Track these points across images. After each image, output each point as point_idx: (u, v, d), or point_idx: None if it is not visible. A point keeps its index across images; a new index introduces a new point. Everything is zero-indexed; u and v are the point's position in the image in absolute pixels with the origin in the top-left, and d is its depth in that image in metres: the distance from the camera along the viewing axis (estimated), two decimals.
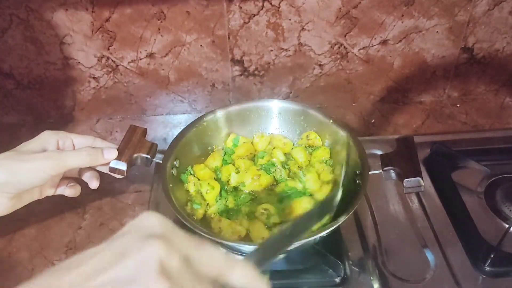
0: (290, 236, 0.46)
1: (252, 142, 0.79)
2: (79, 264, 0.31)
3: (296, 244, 0.59)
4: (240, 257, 0.38)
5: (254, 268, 0.36)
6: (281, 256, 0.66)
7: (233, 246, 0.61)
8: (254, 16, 0.86)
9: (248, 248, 0.60)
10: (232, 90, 0.96)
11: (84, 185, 0.69)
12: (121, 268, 0.30)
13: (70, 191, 0.67)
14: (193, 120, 0.77)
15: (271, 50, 0.91)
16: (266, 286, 0.36)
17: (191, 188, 0.71)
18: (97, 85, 0.94)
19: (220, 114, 0.78)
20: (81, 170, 0.69)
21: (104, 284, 0.29)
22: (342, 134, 0.73)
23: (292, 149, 0.78)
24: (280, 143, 0.78)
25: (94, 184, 0.68)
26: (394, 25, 0.89)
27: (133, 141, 0.69)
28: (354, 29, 0.89)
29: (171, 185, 0.67)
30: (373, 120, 0.96)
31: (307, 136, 0.78)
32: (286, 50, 0.91)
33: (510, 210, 0.73)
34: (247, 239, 0.65)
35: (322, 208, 0.57)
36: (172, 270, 0.30)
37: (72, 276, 0.30)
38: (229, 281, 0.34)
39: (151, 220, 0.33)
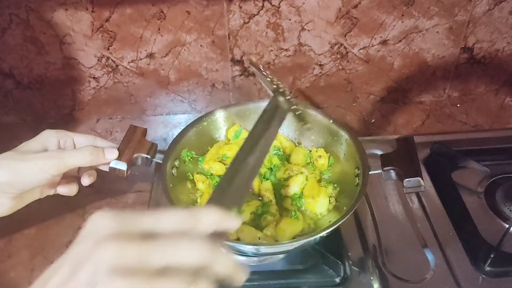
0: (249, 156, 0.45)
1: None
2: (45, 283, 0.33)
3: (298, 243, 0.60)
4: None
5: (219, 208, 0.36)
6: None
7: (233, 246, 0.61)
8: (254, 16, 0.86)
9: (249, 248, 0.60)
10: (232, 90, 0.96)
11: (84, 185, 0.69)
12: (77, 281, 0.31)
13: (64, 189, 0.66)
14: (193, 120, 0.76)
15: (271, 50, 0.91)
16: (236, 220, 0.36)
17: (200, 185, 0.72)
18: (97, 85, 0.94)
19: (220, 114, 0.78)
20: (81, 169, 0.69)
21: None
22: (342, 134, 0.73)
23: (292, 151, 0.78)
24: (281, 143, 0.78)
25: (85, 181, 0.67)
26: (394, 25, 0.89)
27: (133, 141, 0.69)
28: (354, 29, 0.89)
29: (171, 185, 0.67)
30: (373, 120, 0.96)
31: (319, 155, 0.75)
32: (286, 50, 0.91)
33: (510, 210, 0.73)
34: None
35: (268, 116, 0.55)
36: (129, 262, 0.31)
37: None
38: (200, 231, 0.34)
39: (98, 222, 0.34)
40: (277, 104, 0.58)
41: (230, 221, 0.36)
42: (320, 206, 0.68)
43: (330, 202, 0.69)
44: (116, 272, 0.30)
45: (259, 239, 0.63)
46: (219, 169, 0.73)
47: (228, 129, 0.79)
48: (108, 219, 0.33)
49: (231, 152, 0.75)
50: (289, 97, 0.60)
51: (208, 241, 0.33)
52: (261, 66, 0.69)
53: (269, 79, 0.65)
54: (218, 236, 0.35)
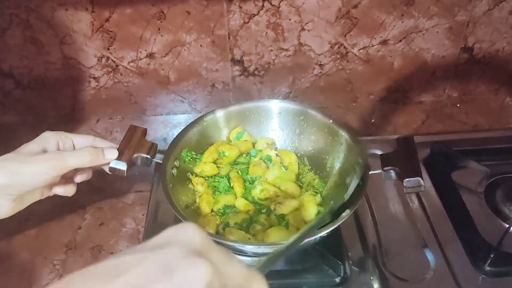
0: (296, 243, 0.47)
1: (253, 144, 0.79)
2: (120, 273, 0.29)
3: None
4: (254, 269, 0.39)
5: (265, 282, 0.37)
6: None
7: (234, 247, 0.61)
8: (254, 16, 0.86)
9: (250, 248, 0.60)
10: (232, 90, 0.96)
11: (85, 185, 0.69)
12: (168, 285, 0.29)
13: (61, 190, 0.66)
14: (193, 120, 0.76)
15: (271, 50, 0.91)
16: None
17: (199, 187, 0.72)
18: (97, 85, 0.94)
19: (220, 114, 0.78)
20: (79, 170, 0.69)
21: None
22: (342, 134, 0.73)
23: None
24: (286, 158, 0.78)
25: (78, 178, 0.67)
26: (394, 25, 0.89)
27: (133, 141, 0.69)
28: (354, 29, 0.89)
29: (171, 185, 0.67)
30: (373, 120, 0.96)
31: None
32: (286, 50, 0.91)
33: (510, 210, 0.73)
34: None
35: (328, 214, 0.58)
36: None
37: (115, 286, 0.28)
38: None
39: (191, 234, 0.32)
40: (332, 211, 0.60)
41: None
42: (308, 215, 0.68)
43: (319, 212, 0.68)
44: None
45: (249, 239, 0.64)
46: (211, 170, 0.73)
47: (231, 131, 0.79)
48: (200, 235, 0.33)
49: (229, 152, 0.75)
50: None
51: None
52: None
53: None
54: None
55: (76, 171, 0.67)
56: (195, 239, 0.32)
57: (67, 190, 0.66)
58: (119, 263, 0.29)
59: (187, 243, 0.32)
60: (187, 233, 0.33)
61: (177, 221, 0.71)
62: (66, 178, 0.67)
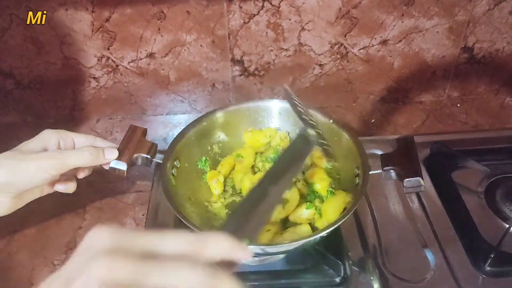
0: (267, 193, 0.41)
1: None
2: (46, 285, 0.32)
3: (298, 243, 0.60)
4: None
5: (230, 236, 0.33)
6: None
7: None
8: (254, 16, 0.86)
9: (250, 248, 0.60)
10: (232, 90, 0.96)
11: (85, 185, 0.69)
12: None
13: (62, 187, 0.66)
14: (193, 120, 0.77)
15: (271, 50, 0.91)
16: (246, 251, 0.34)
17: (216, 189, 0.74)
18: (97, 85, 0.94)
19: (220, 114, 0.78)
20: (80, 168, 0.69)
21: None
22: (342, 134, 0.73)
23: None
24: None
25: (78, 175, 0.67)
26: (394, 25, 0.89)
27: (133, 141, 0.69)
28: (354, 29, 0.89)
29: (171, 185, 0.67)
30: (373, 120, 0.96)
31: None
32: (286, 50, 0.91)
33: (510, 210, 0.73)
34: None
35: (296, 148, 0.53)
36: (122, 280, 0.30)
37: None
38: (206, 257, 0.32)
39: (98, 237, 0.33)
40: (306, 137, 0.56)
41: (240, 251, 0.33)
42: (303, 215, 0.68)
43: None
44: None
45: None
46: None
47: (245, 133, 0.80)
48: (106, 234, 0.33)
49: (245, 152, 0.76)
50: (319, 131, 0.59)
51: (212, 269, 0.31)
52: (294, 96, 0.68)
53: (301, 110, 0.64)
54: (226, 266, 0.33)
55: (77, 168, 0.67)
56: (102, 241, 0.33)
57: (68, 187, 0.66)
58: (44, 284, 0.33)
59: (93, 248, 0.33)
60: (92, 238, 0.34)
61: (177, 221, 0.71)
62: (67, 175, 0.67)
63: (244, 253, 0.34)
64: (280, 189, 0.43)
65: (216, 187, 0.73)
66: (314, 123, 0.61)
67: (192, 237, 0.33)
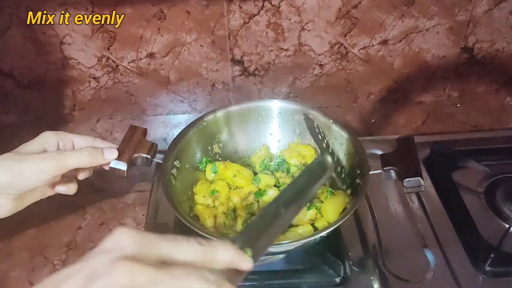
0: (280, 214, 0.44)
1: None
2: (58, 284, 0.33)
3: (298, 243, 0.60)
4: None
5: (234, 246, 0.38)
6: (282, 254, 0.66)
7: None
8: (254, 16, 0.86)
9: (255, 259, 0.60)
10: (232, 90, 0.96)
11: (85, 185, 0.69)
12: None
13: (63, 188, 0.66)
14: (193, 120, 0.76)
15: (271, 50, 0.91)
16: (248, 262, 0.38)
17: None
18: (97, 85, 0.94)
19: (220, 114, 0.78)
20: (80, 169, 0.69)
21: None
22: (342, 134, 0.73)
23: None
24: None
25: (79, 176, 0.67)
26: (394, 25, 0.89)
27: (133, 141, 0.69)
28: (354, 29, 0.89)
29: (171, 185, 0.67)
30: (373, 120, 0.96)
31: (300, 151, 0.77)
32: (286, 50, 0.91)
33: (510, 210, 0.73)
34: None
35: (311, 174, 0.53)
36: (140, 287, 0.33)
37: None
38: (215, 266, 0.36)
39: (121, 239, 0.35)
40: (323, 163, 0.56)
41: (243, 262, 0.38)
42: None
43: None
44: None
45: None
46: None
47: (206, 168, 0.75)
48: (129, 238, 0.35)
49: (219, 187, 0.72)
50: (336, 159, 0.62)
51: (219, 279, 0.36)
52: (315, 123, 0.71)
53: (320, 137, 0.67)
54: (233, 276, 0.37)
55: (77, 170, 0.67)
56: (124, 243, 0.35)
57: (69, 189, 0.66)
58: (63, 275, 0.34)
59: (115, 250, 0.34)
60: (116, 239, 0.35)
61: (177, 221, 0.71)
62: (68, 177, 0.67)
63: (247, 264, 0.38)
64: (290, 214, 0.46)
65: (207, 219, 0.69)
66: (333, 151, 0.63)
67: (204, 247, 0.37)
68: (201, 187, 0.72)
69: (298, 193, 0.48)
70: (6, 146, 0.62)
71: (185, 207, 0.69)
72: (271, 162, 0.78)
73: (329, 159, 0.56)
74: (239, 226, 0.68)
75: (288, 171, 0.76)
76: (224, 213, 0.68)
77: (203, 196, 0.71)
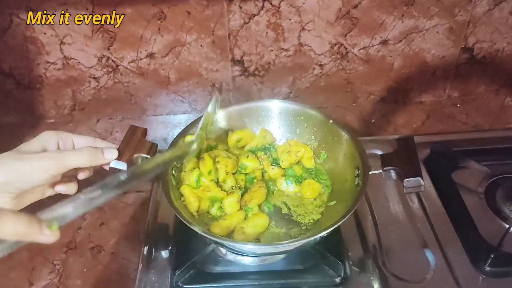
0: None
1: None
2: None
3: (298, 243, 0.60)
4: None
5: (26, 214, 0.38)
6: None
7: (233, 246, 0.61)
8: (254, 16, 0.86)
9: (249, 247, 0.60)
10: (232, 90, 0.96)
11: (85, 185, 0.69)
12: None
13: (63, 188, 0.66)
14: (193, 120, 0.76)
15: (271, 50, 0.91)
16: (44, 231, 0.39)
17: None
18: (97, 85, 0.94)
19: (220, 114, 0.78)
20: (80, 169, 0.69)
21: None
22: (342, 134, 0.73)
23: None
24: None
25: (79, 175, 0.67)
26: (394, 25, 0.89)
27: (133, 141, 0.69)
28: (354, 29, 0.89)
29: (171, 185, 0.67)
30: (373, 120, 0.97)
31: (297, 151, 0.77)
32: (286, 50, 0.91)
33: (510, 210, 0.73)
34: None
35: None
36: None
37: None
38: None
39: None
40: (188, 149, 0.64)
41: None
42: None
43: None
44: None
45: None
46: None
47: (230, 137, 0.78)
48: None
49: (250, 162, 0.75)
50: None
51: None
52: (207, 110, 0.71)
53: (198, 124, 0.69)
54: None
55: (77, 169, 0.67)
56: None
57: (69, 188, 0.66)
58: None
59: None
60: None
61: (177, 221, 0.71)
62: (68, 176, 0.67)
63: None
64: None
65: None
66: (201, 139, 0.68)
67: None
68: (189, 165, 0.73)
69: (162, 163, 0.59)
70: (6, 146, 0.62)
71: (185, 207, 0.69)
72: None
73: (194, 146, 0.64)
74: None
75: (275, 161, 0.78)
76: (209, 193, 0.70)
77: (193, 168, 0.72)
